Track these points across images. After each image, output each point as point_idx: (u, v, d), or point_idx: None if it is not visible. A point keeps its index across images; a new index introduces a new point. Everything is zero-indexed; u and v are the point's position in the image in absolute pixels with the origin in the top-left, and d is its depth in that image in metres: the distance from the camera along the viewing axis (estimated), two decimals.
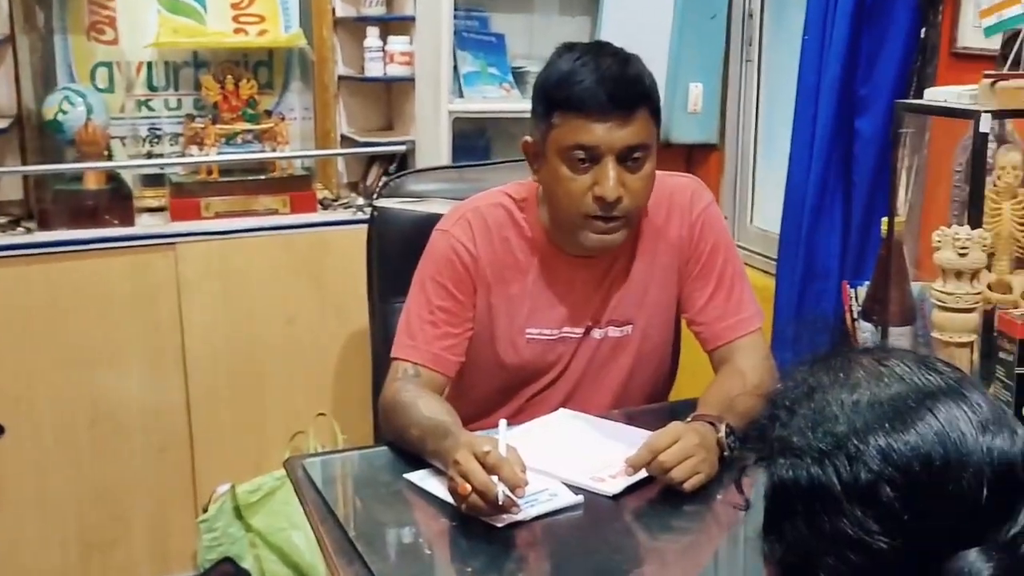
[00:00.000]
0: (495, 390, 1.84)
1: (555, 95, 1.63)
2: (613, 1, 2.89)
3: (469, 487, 1.36)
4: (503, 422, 1.54)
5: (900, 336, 1.86)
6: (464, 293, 1.75)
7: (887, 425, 0.73)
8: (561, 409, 1.79)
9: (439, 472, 1.53)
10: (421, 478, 1.55)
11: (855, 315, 2.06)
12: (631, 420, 1.72)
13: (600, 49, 1.66)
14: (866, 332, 1.91)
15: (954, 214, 1.97)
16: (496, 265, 1.76)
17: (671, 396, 1.98)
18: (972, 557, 0.70)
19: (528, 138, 1.72)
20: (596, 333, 1.80)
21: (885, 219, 1.89)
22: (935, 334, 1.63)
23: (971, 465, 0.71)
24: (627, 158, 1.62)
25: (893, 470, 0.71)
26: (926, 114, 1.81)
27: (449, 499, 1.45)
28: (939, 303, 1.61)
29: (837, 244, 2.22)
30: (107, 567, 2.78)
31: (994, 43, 1.94)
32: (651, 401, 1.89)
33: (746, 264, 2.58)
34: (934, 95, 1.78)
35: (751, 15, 2.67)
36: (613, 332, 1.81)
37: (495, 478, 1.37)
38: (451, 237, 1.75)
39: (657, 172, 1.77)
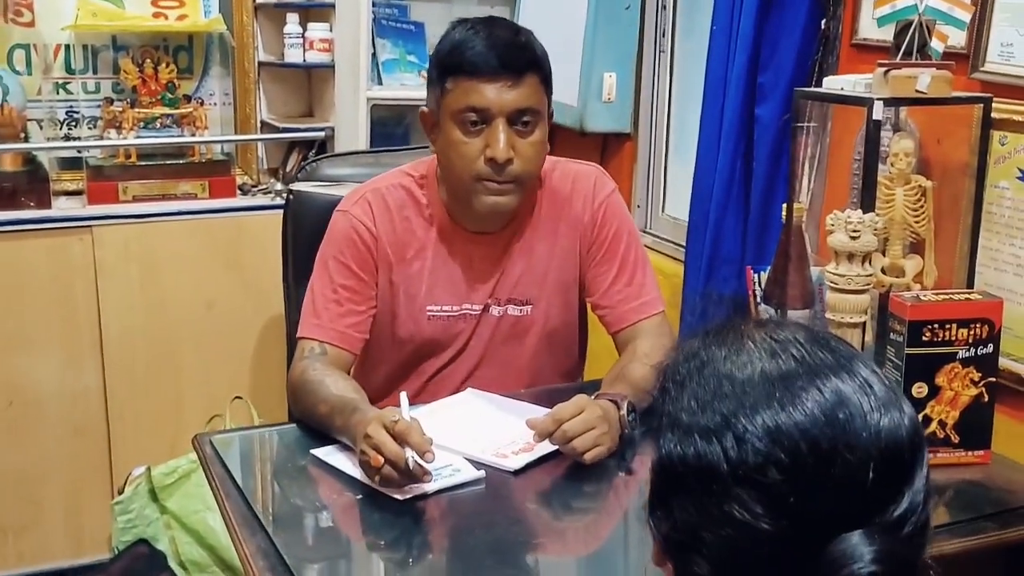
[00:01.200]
0: (398, 366, 1.87)
1: (448, 62, 1.69)
2: None
3: (382, 459, 1.40)
4: (403, 395, 1.57)
5: (799, 319, 1.92)
6: (366, 272, 1.78)
7: (775, 404, 0.71)
8: (468, 388, 1.82)
9: (346, 448, 1.57)
10: (327, 453, 1.58)
11: (758, 299, 2.12)
12: (538, 400, 1.75)
13: (493, 21, 1.74)
14: (767, 316, 1.97)
15: (853, 201, 2.03)
16: (396, 244, 1.79)
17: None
18: (855, 540, 0.69)
19: (425, 108, 1.77)
20: (495, 311, 1.84)
21: (785, 205, 1.95)
22: (829, 315, 1.69)
23: (859, 448, 0.70)
24: (517, 121, 1.67)
25: (780, 452, 0.70)
26: (823, 101, 1.87)
27: (354, 474, 1.49)
28: (832, 285, 1.67)
29: (740, 230, 2.27)
30: (21, 551, 2.77)
31: (891, 35, 2.01)
32: (560, 382, 1.93)
33: (657, 251, 2.67)
34: (832, 84, 1.84)
35: (664, 6, 2.72)
36: (512, 310, 1.84)
37: (405, 449, 1.40)
38: (351, 217, 1.79)
39: (560, 159, 1.84)
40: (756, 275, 2.12)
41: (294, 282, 2.14)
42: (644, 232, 2.74)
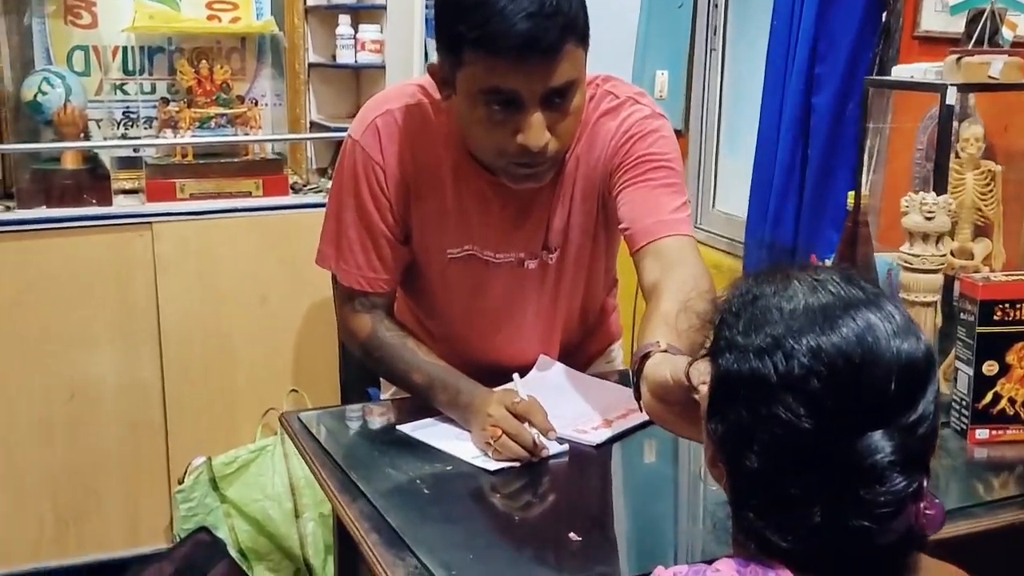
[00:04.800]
0: (424, 312, 1.79)
1: (464, 28, 1.38)
2: None
3: (500, 431, 1.45)
4: (516, 376, 1.60)
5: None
6: (381, 205, 1.62)
7: (817, 328, 0.85)
8: (541, 356, 1.78)
9: (432, 424, 1.59)
10: (414, 429, 1.59)
11: None
12: (607, 377, 1.78)
13: None
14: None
15: (915, 189, 2.06)
16: (408, 176, 1.61)
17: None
18: (878, 436, 0.83)
19: (434, 62, 1.51)
20: (529, 264, 1.68)
21: (851, 193, 1.98)
22: (902, 294, 1.71)
23: (882, 363, 0.84)
24: (552, 100, 1.43)
25: (820, 365, 0.84)
26: (893, 88, 1.90)
27: (442, 447, 1.52)
28: (906, 264, 1.69)
29: (795, 219, 2.30)
30: (82, 540, 2.79)
31: (953, 27, 2.04)
32: (593, 337, 1.90)
33: (711, 247, 2.69)
34: (901, 72, 1.87)
35: (716, 5, 2.76)
36: (546, 257, 1.68)
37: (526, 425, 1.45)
38: (359, 147, 1.60)
39: (597, 81, 1.61)
40: (821, 263, 2.14)
41: None
42: (697, 228, 2.76)
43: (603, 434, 1.57)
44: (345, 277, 1.68)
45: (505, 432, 1.46)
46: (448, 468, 1.49)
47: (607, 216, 1.66)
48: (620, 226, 1.59)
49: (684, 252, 1.53)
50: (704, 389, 0.95)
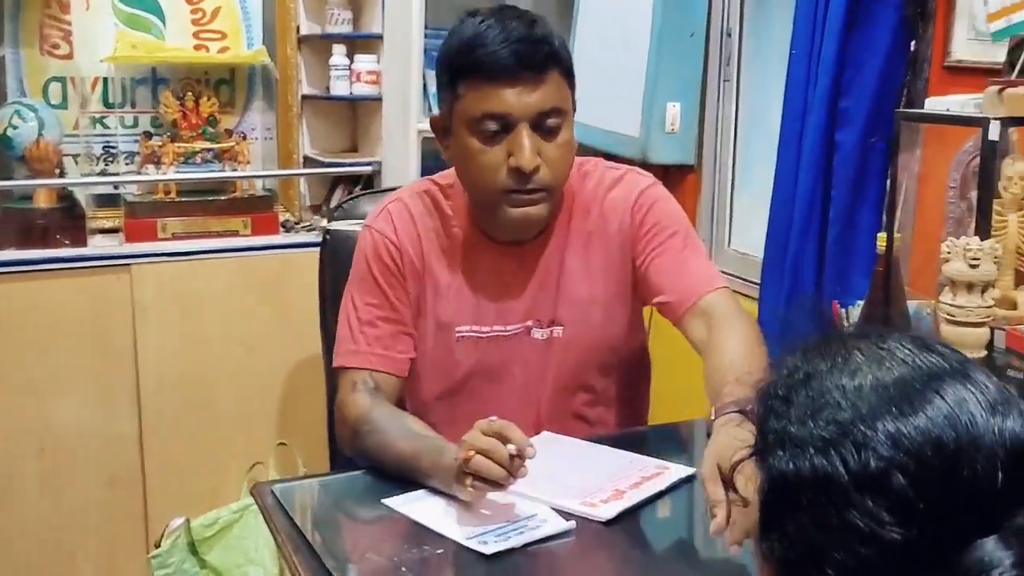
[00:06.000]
0: (436, 396, 1.73)
1: (459, 63, 1.53)
2: (589, 19, 2.84)
3: (473, 452, 1.32)
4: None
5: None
6: (397, 287, 1.67)
7: (894, 409, 0.69)
8: (544, 432, 1.69)
9: (422, 497, 1.44)
10: (402, 503, 1.44)
11: None
12: (618, 444, 1.63)
13: (503, 12, 1.56)
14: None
15: (948, 230, 1.91)
16: (421, 256, 1.68)
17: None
18: (990, 546, 0.67)
19: (435, 113, 1.63)
20: (537, 333, 1.69)
21: (881, 235, 1.83)
22: None
23: (984, 448, 0.68)
24: (541, 124, 1.53)
25: (904, 456, 0.68)
26: (928, 122, 1.75)
27: (433, 526, 1.37)
28: (949, 317, 1.54)
29: (817, 262, 2.15)
30: None
31: (987, 56, 1.90)
32: (622, 414, 1.81)
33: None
34: (935, 105, 1.72)
35: (729, 34, 2.62)
36: (556, 331, 1.69)
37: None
38: (373, 232, 1.68)
39: (591, 161, 1.73)
40: (844, 310, 1.99)
41: (332, 325, 2.02)
42: None
43: (614, 507, 1.42)
44: (353, 358, 1.65)
45: (478, 450, 1.31)
46: (438, 551, 1.33)
47: (634, 289, 1.71)
48: (657, 299, 1.65)
49: (725, 303, 1.59)
50: (750, 494, 0.77)
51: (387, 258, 1.66)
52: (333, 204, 3.05)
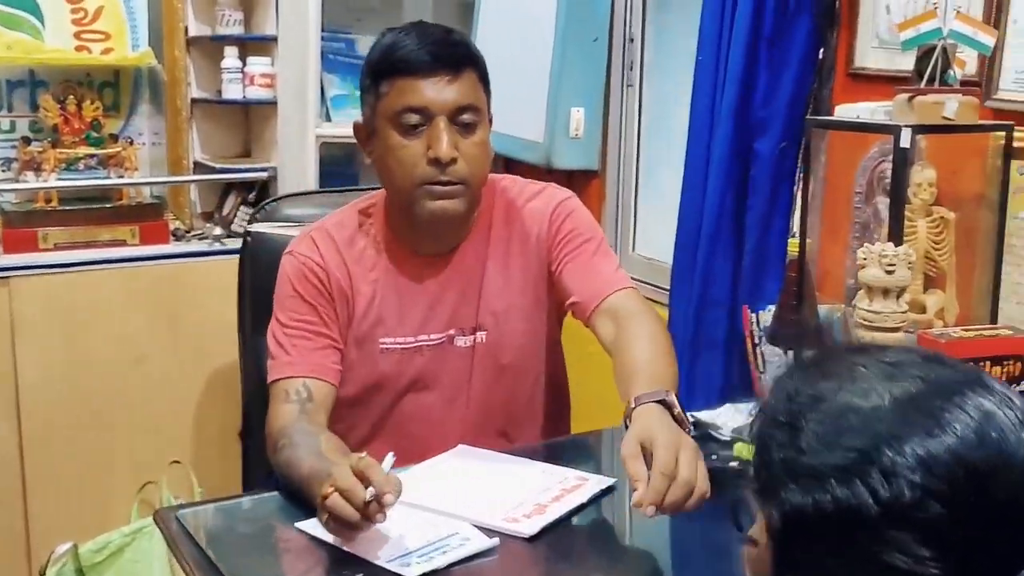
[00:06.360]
0: (364, 410, 1.73)
1: (381, 65, 1.62)
2: (490, 24, 2.80)
3: (331, 490, 1.26)
4: (390, 455, 1.37)
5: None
6: (324, 305, 1.68)
7: (919, 429, 0.63)
8: (460, 445, 1.65)
9: None
10: (315, 526, 1.37)
11: (757, 340, 1.99)
12: (536, 455, 1.61)
13: (423, 23, 1.69)
14: (774, 358, 1.83)
15: (855, 235, 1.93)
16: (346, 277, 1.70)
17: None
18: None
19: (359, 120, 1.70)
20: (460, 341, 1.72)
21: (793, 240, 1.84)
22: None
23: (1018, 466, 0.63)
24: (458, 119, 1.60)
25: (938, 481, 0.61)
26: (840, 130, 1.76)
27: (350, 549, 1.30)
28: (866, 323, 1.55)
29: (731, 269, 2.15)
30: None
31: (892, 63, 1.92)
32: (546, 427, 1.81)
33: None
34: (845, 112, 1.73)
35: (632, 39, 2.61)
36: (479, 338, 1.72)
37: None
38: (297, 255, 1.71)
39: (508, 178, 1.79)
40: (754, 315, 1.99)
41: (253, 330, 1.98)
42: None
43: (537, 523, 1.39)
44: (287, 368, 1.64)
45: (337, 488, 1.26)
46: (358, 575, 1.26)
47: (551, 296, 1.75)
48: (569, 300, 1.69)
49: (632, 302, 1.65)
50: (755, 534, 0.70)
51: (313, 279, 1.68)
52: (226, 211, 2.94)
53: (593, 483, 1.50)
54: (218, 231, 2.82)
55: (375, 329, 1.69)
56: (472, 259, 1.71)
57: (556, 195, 1.76)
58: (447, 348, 1.71)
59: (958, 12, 1.63)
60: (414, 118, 1.58)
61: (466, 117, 1.60)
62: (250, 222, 2.04)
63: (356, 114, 2.76)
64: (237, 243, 2.14)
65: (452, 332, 1.71)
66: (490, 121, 1.67)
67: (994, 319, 1.74)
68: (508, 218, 1.74)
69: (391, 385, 1.71)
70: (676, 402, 1.39)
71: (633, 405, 1.38)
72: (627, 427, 1.36)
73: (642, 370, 1.48)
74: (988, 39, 1.63)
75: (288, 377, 1.62)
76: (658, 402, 1.38)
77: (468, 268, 1.71)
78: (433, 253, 1.70)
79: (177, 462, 2.58)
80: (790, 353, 1.80)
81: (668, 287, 2.30)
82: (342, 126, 2.75)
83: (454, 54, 1.60)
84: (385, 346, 1.69)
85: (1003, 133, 1.70)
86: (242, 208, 2.89)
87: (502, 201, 1.74)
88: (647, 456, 1.29)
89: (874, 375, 0.68)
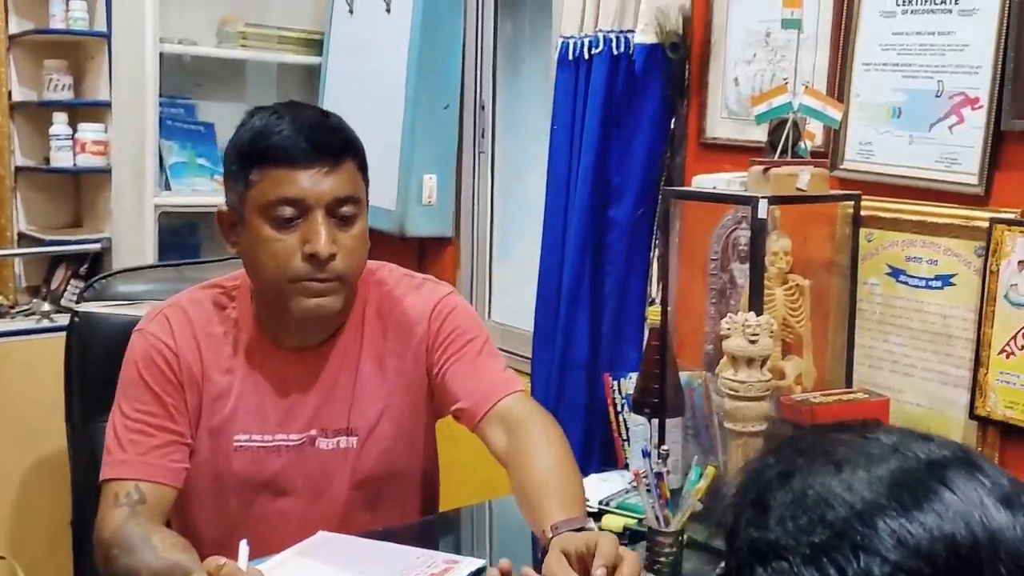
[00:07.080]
0: (218, 511, 1.60)
1: (251, 150, 1.48)
2: (337, 90, 2.75)
3: None
4: (243, 543, 1.30)
5: (674, 427, 1.79)
6: (172, 394, 1.54)
7: (895, 504, 0.59)
8: (320, 532, 1.56)
9: None
10: None
11: (619, 407, 1.98)
12: (401, 538, 1.53)
13: (296, 104, 1.57)
14: (639, 425, 1.82)
15: (712, 301, 1.95)
16: (200, 363, 1.57)
17: None
18: None
19: (223, 207, 1.55)
20: (322, 443, 1.59)
21: (652, 308, 1.84)
22: (728, 424, 1.57)
23: (1005, 545, 0.59)
24: (336, 212, 1.48)
25: (915, 560, 0.58)
26: (697, 200, 1.78)
27: None
28: (732, 392, 1.55)
29: (590, 333, 2.15)
30: None
31: (741, 134, 1.97)
32: (413, 511, 1.71)
33: None
34: (701, 183, 1.75)
35: (483, 106, 2.62)
36: (343, 443, 1.60)
37: None
38: (147, 335, 1.56)
39: (386, 266, 1.69)
40: (616, 382, 1.98)
41: (82, 421, 1.82)
42: None
43: None
44: (119, 468, 1.50)
45: None
46: None
47: (430, 400, 1.66)
48: (454, 407, 1.59)
49: (524, 406, 1.56)
50: None
51: (162, 363, 1.54)
52: (55, 285, 2.78)
53: (464, 565, 1.44)
54: (46, 307, 2.65)
55: (229, 425, 1.56)
56: (343, 357, 1.60)
57: (436, 291, 1.67)
58: (307, 450, 1.59)
59: (807, 87, 1.67)
60: (289, 211, 1.46)
61: (345, 210, 1.48)
62: (78, 301, 1.87)
63: (198, 183, 2.72)
64: (67, 319, 1.98)
65: (314, 433, 1.59)
66: (367, 203, 1.56)
67: (849, 382, 1.77)
68: (383, 313, 1.63)
69: (245, 485, 1.58)
70: (595, 527, 1.35)
71: (551, 535, 1.31)
72: (543, 555, 1.28)
73: (549, 486, 1.40)
74: (836, 113, 1.68)
75: (119, 479, 1.48)
76: (577, 530, 1.31)
77: (338, 367, 1.60)
78: (299, 347, 1.58)
79: (2, 558, 2.38)
80: (654, 421, 1.79)
81: (526, 353, 2.28)
82: (183, 195, 2.65)
83: (333, 142, 1.48)
84: (240, 444, 1.57)
85: (851, 202, 1.75)
86: (72, 282, 2.73)
87: (377, 293, 1.64)
88: (572, 557, 1.24)
89: (852, 450, 0.64)
